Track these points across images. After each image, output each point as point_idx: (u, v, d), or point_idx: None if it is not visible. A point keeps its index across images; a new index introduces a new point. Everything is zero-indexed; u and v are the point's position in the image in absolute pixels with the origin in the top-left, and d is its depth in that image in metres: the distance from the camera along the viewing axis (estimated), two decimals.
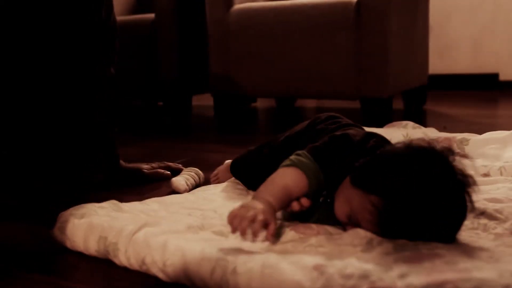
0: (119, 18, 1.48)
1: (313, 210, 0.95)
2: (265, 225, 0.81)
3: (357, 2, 2.23)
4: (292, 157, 0.94)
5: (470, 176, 0.84)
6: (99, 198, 1.11)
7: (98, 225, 0.92)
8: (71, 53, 1.33)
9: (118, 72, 1.45)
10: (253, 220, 0.80)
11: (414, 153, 0.84)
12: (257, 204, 0.84)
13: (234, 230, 0.80)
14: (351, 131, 1.00)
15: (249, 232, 0.79)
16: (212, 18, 2.60)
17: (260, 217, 0.80)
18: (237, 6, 2.54)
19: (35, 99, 1.36)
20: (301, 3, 2.39)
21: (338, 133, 1.01)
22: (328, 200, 0.95)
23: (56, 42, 1.31)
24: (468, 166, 1.26)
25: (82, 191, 1.38)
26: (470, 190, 0.82)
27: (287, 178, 0.90)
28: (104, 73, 1.39)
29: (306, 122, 1.17)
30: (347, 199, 0.88)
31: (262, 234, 0.80)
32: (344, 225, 0.90)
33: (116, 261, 0.88)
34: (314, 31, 2.32)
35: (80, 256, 0.93)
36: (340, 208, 0.89)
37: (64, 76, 1.35)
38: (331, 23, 2.28)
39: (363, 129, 1.09)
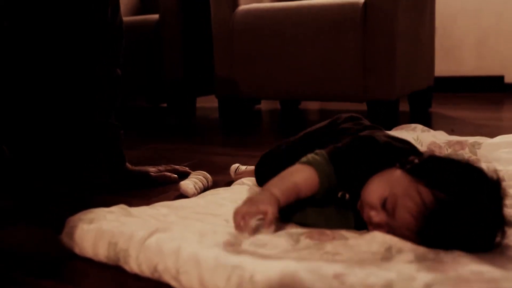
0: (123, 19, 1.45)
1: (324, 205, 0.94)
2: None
3: (364, 3, 2.21)
4: (310, 155, 0.93)
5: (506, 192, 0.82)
6: (107, 202, 1.08)
7: (108, 231, 0.90)
8: (71, 53, 1.31)
9: (122, 73, 1.43)
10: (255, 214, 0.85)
11: (473, 167, 0.83)
12: (261, 198, 0.87)
13: (236, 228, 0.86)
14: (377, 133, 0.99)
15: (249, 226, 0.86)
16: (217, 18, 2.58)
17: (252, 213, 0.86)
18: (242, 7, 2.52)
19: (35, 98, 1.34)
20: (307, 4, 2.36)
21: (364, 134, 0.99)
22: (347, 197, 0.93)
23: (56, 41, 1.29)
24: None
25: (83, 192, 1.36)
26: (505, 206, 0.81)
27: (299, 175, 0.90)
28: (105, 73, 1.37)
29: (327, 121, 1.16)
30: (390, 181, 0.85)
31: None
32: (365, 214, 0.87)
33: (126, 267, 0.86)
34: (321, 32, 2.30)
35: (89, 262, 0.91)
36: (377, 190, 0.85)
37: (64, 76, 1.32)
38: (338, 24, 2.26)
39: (384, 132, 1.07)
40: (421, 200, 0.79)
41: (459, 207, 0.78)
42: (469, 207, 0.78)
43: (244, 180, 1.30)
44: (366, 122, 1.12)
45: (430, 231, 0.79)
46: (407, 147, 0.95)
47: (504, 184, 0.82)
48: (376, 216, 0.85)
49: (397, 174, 0.85)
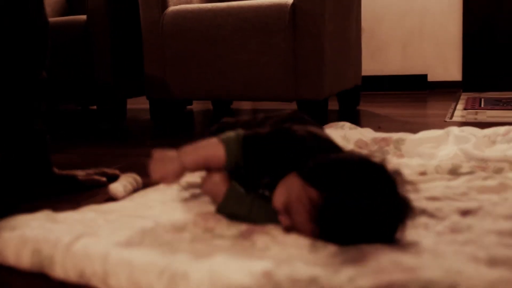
0: (49, 20, 1.41)
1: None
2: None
3: (292, 5, 2.24)
4: (228, 133, 0.99)
5: (409, 186, 0.86)
6: (32, 208, 1.05)
7: (32, 238, 0.87)
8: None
9: (49, 76, 1.39)
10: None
11: (361, 162, 0.86)
12: (171, 166, 0.98)
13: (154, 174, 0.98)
14: (297, 127, 1.01)
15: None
16: (146, 20, 2.55)
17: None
18: (172, 8, 2.50)
19: None
20: (237, 5, 2.37)
21: (285, 126, 1.02)
22: (267, 193, 0.96)
23: None
24: (406, 165, 1.30)
25: (14, 201, 1.31)
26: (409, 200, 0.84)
27: (210, 151, 0.98)
28: (29, 76, 1.33)
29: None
30: (288, 187, 0.88)
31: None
32: (278, 216, 0.90)
33: (52, 274, 0.84)
34: (250, 33, 2.32)
35: (13, 272, 0.88)
36: (279, 195, 0.89)
37: None
38: (267, 25, 2.28)
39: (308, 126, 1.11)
40: (310, 203, 0.83)
41: (346, 204, 0.80)
42: (355, 203, 0.80)
43: None
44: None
45: (324, 231, 0.82)
46: (322, 145, 0.97)
47: (399, 176, 0.85)
48: (284, 221, 0.88)
49: (294, 179, 0.88)
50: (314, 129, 1.07)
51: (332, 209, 0.81)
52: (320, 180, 0.84)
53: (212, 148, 0.98)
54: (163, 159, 0.99)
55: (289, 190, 0.88)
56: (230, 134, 0.99)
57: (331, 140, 1.03)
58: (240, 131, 0.99)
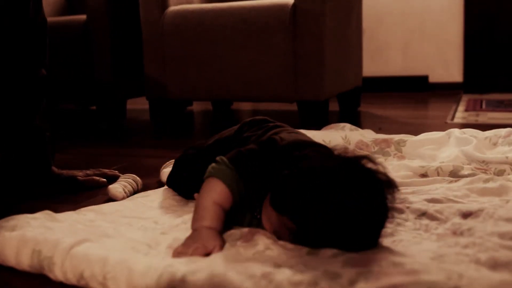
0: (48, 19, 1.41)
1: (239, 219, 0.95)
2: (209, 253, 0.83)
3: (293, 5, 2.24)
4: (211, 166, 0.92)
5: (393, 183, 0.82)
6: (32, 208, 1.05)
7: (32, 238, 0.87)
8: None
9: (49, 75, 1.38)
10: (193, 254, 0.81)
11: (329, 170, 0.82)
12: (203, 236, 0.85)
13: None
14: (282, 135, 0.99)
15: None
16: (147, 19, 2.54)
17: (200, 251, 0.82)
18: (172, 8, 2.50)
19: None
20: (237, 5, 2.37)
21: (264, 138, 0.99)
22: (258, 216, 0.93)
23: None
24: (406, 167, 1.29)
25: (14, 201, 1.31)
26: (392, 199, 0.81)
27: (211, 194, 0.90)
28: (28, 73, 1.32)
29: (235, 128, 1.16)
30: (268, 215, 0.87)
31: None
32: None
33: (51, 276, 0.83)
34: (251, 33, 2.32)
35: (12, 272, 0.87)
36: (266, 223, 0.88)
37: None
38: (267, 26, 2.28)
39: (294, 130, 1.09)
40: (290, 233, 0.82)
41: (319, 227, 0.78)
42: (326, 223, 0.78)
43: None
44: (271, 123, 1.13)
45: (312, 246, 0.81)
46: (305, 152, 0.93)
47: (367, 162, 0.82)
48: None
49: (269, 209, 0.86)
50: (297, 134, 1.06)
51: (307, 233, 0.80)
52: (287, 208, 0.82)
53: (213, 192, 0.90)
54: (192, 245, 0.84)
55: (270, 220, 0.87)
56: (215, 166, 0.92)
57: (315, 142, 1.01)
58: (221, 158, 0.93)
